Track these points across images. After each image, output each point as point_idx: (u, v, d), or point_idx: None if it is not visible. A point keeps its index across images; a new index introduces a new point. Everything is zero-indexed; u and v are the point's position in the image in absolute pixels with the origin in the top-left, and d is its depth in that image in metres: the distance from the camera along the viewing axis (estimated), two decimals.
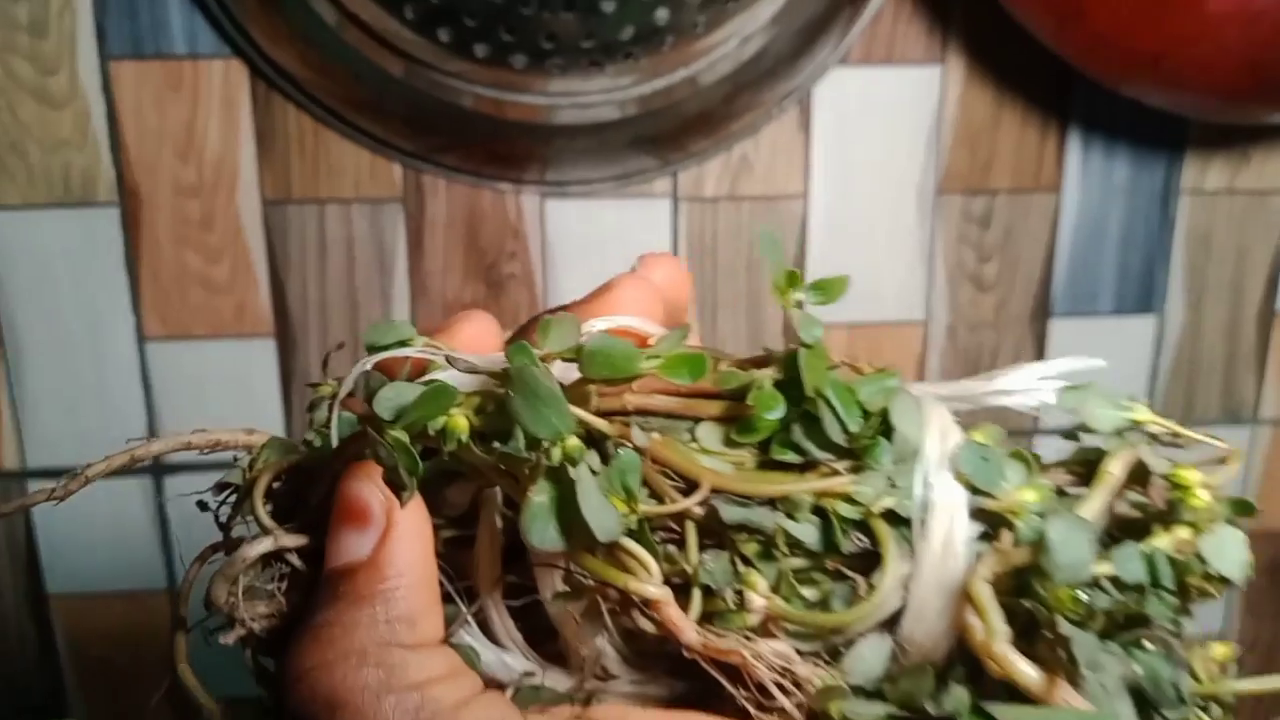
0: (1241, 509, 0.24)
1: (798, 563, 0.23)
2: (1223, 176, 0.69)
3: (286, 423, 0.67)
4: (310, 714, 0.21)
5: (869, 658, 0.22)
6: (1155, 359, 0.73)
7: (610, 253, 0.67)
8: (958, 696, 0.22)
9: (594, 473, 0.22)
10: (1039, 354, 0.71)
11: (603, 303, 0.26)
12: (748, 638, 0.22)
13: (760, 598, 0.22)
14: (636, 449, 0.22)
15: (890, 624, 0.22)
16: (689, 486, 0.23)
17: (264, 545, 0.23)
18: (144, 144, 0.63)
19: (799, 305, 0.24)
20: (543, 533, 0.22)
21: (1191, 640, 0.24)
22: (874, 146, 0.66)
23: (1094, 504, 0.23)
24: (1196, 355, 0.73)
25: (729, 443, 0.24)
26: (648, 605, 0.22)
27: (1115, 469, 0.23)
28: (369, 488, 0.22)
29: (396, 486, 0.22)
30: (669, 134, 0.63)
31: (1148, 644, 0.23)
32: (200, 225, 0.65)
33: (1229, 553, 0.23)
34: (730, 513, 0.22)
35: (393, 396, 0.22)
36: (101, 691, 0.71)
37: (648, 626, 0.22)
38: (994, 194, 0.68)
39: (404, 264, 0.66)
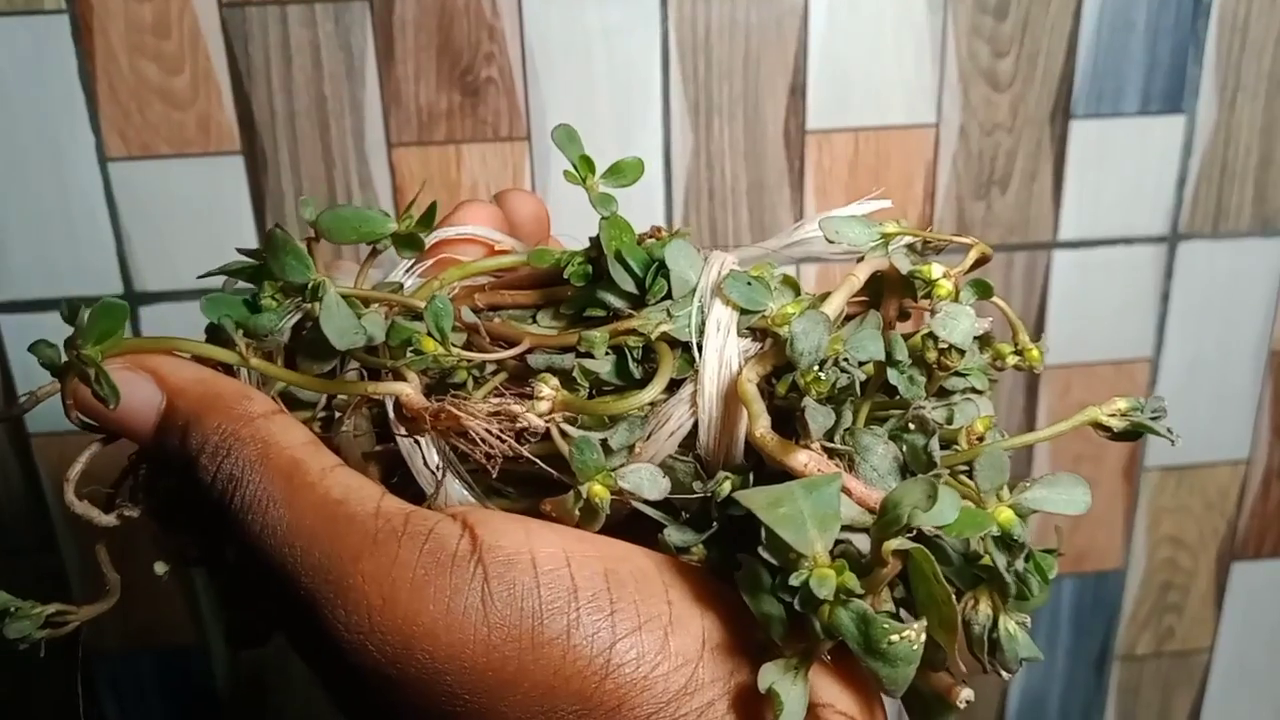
0: (981, 290, 0.27)
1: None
2: None
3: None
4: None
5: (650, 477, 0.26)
6: (1183, 163, 0.68)
7: (596, 55, 0.62)
8: (728, 482, 0.27)
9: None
10: (1058, 159, 0.66)
11: (448, 219, 0.32)
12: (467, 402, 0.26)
13: (549, 389, 0.26)
14: (476, 327, 0.28)
15: (692, 444, 0.27)
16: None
17: (106, 520, 0.31)
18: None
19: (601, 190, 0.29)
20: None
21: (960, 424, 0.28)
22: None
23: (834, 302, 0.26)
24: (1229, 159, 0.68)
25: (558, 317, 0.29)
26: (402, 406, 0.27)
27: (859, 272, 0.27)
28: (126, 375, 0.27)
29: (100, 399, 0.27)
30: None
31: (912, 427, 0.27)
32: (155, 31, 0.60)
33: (956, 324, 0.26)
34: (537, 360, 0.28)
35: (80, 322, 0.26)
36: (90, 531, 0.69)
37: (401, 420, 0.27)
38: None
39: (374, 70, 0.61)
